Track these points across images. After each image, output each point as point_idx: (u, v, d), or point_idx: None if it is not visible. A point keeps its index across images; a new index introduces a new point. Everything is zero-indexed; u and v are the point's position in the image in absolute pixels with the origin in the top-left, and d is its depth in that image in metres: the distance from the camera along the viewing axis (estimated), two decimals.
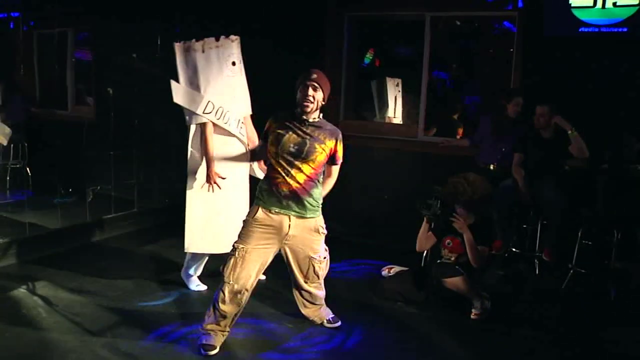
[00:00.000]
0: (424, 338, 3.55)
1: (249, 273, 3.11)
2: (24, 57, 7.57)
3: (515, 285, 4.61)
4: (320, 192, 3.23)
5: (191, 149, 3.96)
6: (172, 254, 4.94)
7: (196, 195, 3.96)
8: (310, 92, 3.02)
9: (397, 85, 6.87)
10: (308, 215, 3.16)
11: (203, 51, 3.90)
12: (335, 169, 3.33)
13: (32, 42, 8.07)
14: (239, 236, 3.17)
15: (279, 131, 3.11)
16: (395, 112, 6.90)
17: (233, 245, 3.15)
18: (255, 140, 4.04)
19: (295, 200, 3.10)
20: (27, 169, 6.02)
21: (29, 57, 8.07)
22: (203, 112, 3.84)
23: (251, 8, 6.11)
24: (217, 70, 3.91)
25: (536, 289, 4.55)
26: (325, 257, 3.40)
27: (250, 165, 4.10)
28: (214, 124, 3.86)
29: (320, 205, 3.26)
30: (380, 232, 5.66)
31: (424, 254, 4.61)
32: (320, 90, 3.05)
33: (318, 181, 3.19)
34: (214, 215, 4.00)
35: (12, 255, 4.72)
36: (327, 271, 3.48)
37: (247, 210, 3.43)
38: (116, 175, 5.80)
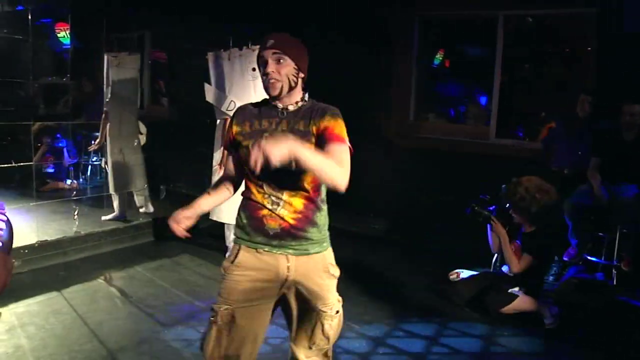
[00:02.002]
0: (496, 346, 3.47)
1: (241, 346, 2.16)
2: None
3: (590, 295, 4.41)
4: (325, 214, 2.20)
5: (216, 139, 4.80)
6: None
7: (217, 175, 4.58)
8: (272, 66, 2.07)
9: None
10: (313, 251, 2.14)
11: (229, 59, 4.67)
12: (335, 152, 1.99)
13: (112, 44, 8.46)
14: (219, 294, 2.17)
15: (242, 140, 2.13)
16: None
17: (212, 309, 2.17)
18: None
19: (292, 236, 2.08)
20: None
21: None
22: (227, 109, 4.59)
23: (321, 9, 6.15)
24: (239, 75, 4.64)
25: (613, 300, 4.34)
26: (338, 312, 2.22)
27: None
28: None
29: (327, 233, 2.23)
30: (448, 235, 5.54)
31: (493, 259, 4.51)
32: (288, 58, 2.08)
33: (321, 200, 2.16)
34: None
35: (90, 247, 5.01)
36: (339, 333, 2.27)
37: None
38: (187, 173, 6.00)
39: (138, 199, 6.06)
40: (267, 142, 1.76)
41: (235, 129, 2.16)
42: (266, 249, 2.09)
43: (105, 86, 5.69)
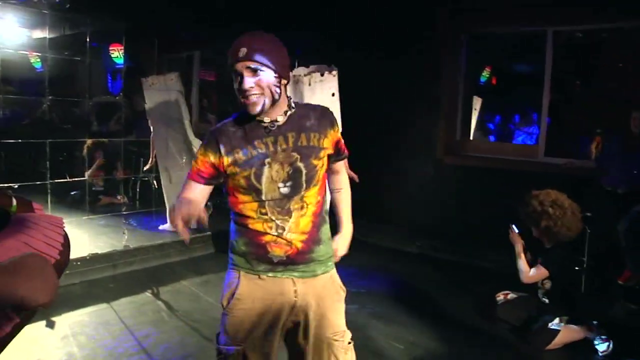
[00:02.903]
0: None
1: None
2: None
3: None
4: (328, 226, 2.04)
5: None
6: None
7: None
8: (248, 80, 1.78)
9: (475, 103, 6.73)
10: (320, 272, 1.96)
11: (309, 84, 4.55)
12: (343, 167, 2.16)
13: (163, 64, 8.74)
14: (224, 331, 1.96)
15: (239, 170, 1.85)
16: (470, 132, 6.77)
17: (218, 350, 1.98)
18: (346, 153, 4.38)
19: (299, 260, 1.91)
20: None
21: None
22: None
23: (366, 27, 6.18)
24: (319, 100, 4.41)
25: None
26: (350, 342, 2.02)
27: None
28: None
29: (332, 251, 2.05)
30: (496, 255, 5.42)
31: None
32: (267, 67, 1.79)
33: (325, 211, 2.02)
34: None
35: (138, 260, 5.13)
36: None
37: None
38: None
39: None
40: (342, 247, 2.16)
41: (225, 160, 1.85)
42: (270, 275, 1.91)
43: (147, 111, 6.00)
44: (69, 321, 3.79)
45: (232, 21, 6.62)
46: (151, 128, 6.17)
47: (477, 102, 6.78)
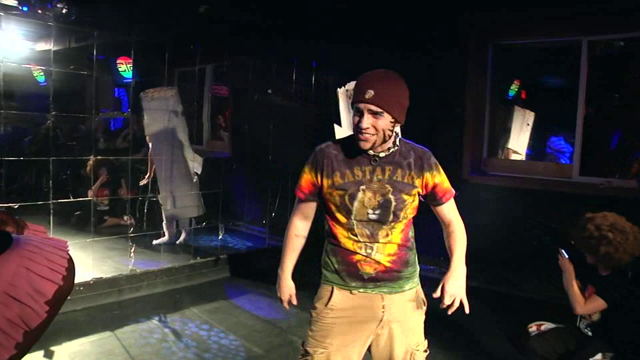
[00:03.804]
0: None
1: None
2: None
3: None
4: (415, 252, 2.32)
5: None
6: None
7: None
8: (367, 121, 2.06)
9: (528, 118, 6.61)
10: (407, 287, 2.27)
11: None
12: (451, 211, 2.35)
13: (174, 79, 8.82)
14: (309, 335, 2.28)
15: (335, 191, 2.17)
16: (518, 146, 6.67)
17: (304, 351, 2.28)
18: None
19: (388, 277, 2.21)
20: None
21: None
22: None
23: (385, 37, 6.18)
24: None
25: None
26: (426, 351, 2.39)
27: None
28: None
29: (418, 267, 2.36)
30: (528, 283, 5.37)
31: None
32: (385, 113, 2.05)
33: (412, 243, 2.30)
34: None
35: (145, 286, 5.10)
36: None
37: None
38: (249, 210, 6.08)
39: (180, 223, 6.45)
40: (451, 286, 2.29)
41: (325, 181, 2.19)
42: (361, 290, 2.21)
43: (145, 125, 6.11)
44: (69, 350, 3.74)
45: (246, 33, 6.71)
46: (149, 145, 6.28)
47: (529, 117, 6.69)
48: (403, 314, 2.25)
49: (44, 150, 6.05)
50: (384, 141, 2.11)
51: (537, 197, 5.57)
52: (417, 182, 2.19)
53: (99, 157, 6.89)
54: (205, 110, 8.57)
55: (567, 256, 3.69)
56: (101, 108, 8.49)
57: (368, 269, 2.17)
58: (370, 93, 2.04)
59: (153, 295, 5.04)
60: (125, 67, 8.64)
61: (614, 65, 5.82)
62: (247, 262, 5.85)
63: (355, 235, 2.16)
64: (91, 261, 4.96)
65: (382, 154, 2.15)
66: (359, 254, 2.17)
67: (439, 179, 2.23)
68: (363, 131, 2.06)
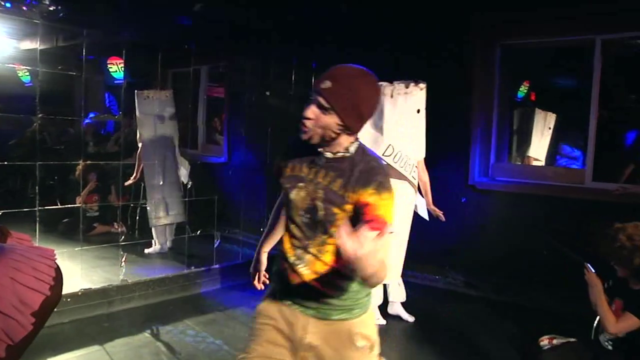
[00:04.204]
0: None
1: None
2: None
3: None
4: (359, 284, 2.00)
5: None
6: None
7: None
8: (311, 110, 1.90)
9: (549, 121, 6.58)
10: (336, 317, 2.00)
11: (392, 96, 4.49)
12: (369, 239, 1.59)
13: (167, 80, 8.81)
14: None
15: (284, 182, 2.09)
16: (538, 151, 6.63)
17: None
18: (427, 182, 4.78)
19: (312, 297, 2.00)
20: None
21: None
22: (383, 154, 4.36)
23: (390, 38, 6.18)
24: (400, 115, 4.47)
25: None
26: None
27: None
28: (389, 168, 4.35)
29: (364, 299, 2.07)
30: (538, 293, 5.33)
31: (595, 323, 4.22)
32: (333, 111, 1.87)
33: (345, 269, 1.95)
34: None
35: (137, 297, 5.06)
36: None
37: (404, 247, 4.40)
38: (246, 218, 6.04)
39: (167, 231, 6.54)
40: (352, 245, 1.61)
41: (283, 170, 2.09)
42: (287, 303, 2.05)
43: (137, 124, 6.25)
44: None
45: (243, 33, 6.69)
46: (139, 144, 6.38)
47: (550, 120, 6.63)
48: (329, 346, 2.00)
49: (29, 154, 6.01)
50: (325, 141, 1.93)
51: (548, 204, 5.54)
52: (353, 197, 1.90)
53: (88, 162, 6.88)
54: (200, 112, 8.53)
55: (593, 270, 3.64)
56: (90, 110, 8.45)
57: (293, 279, 2.00)
58: (327, 84, 1.87)
59: (145, 306, 5.00)
60: (116, 68, 8.62)
61: (630, 65, 5.80)
62: (243, 272, 5.79)
63: (294, 237, 2.03)
64: (80, 271, 4.93)
65: (328, 155, 1.97)
66: (287, 261, 2.02)
67: (375, 200, 1.87)
68: (303, 120, 1.91)
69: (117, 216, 6.74)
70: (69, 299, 4.55)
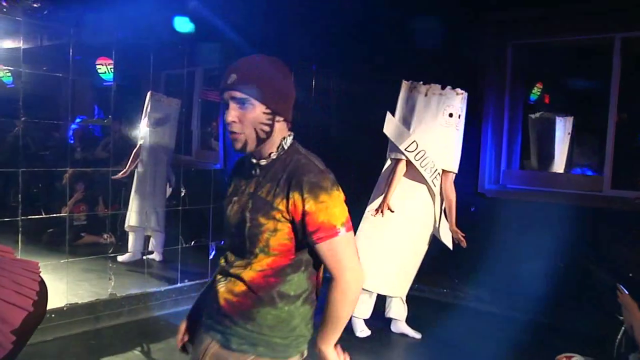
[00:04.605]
0: None
1: None
2: None
3: None
4: (288, 313, 1.81)
5: (379, 180, 4.85)
6: None
7: (366, 228, 4.72)
8: (233, 112, 1.79)
9: (567, 125, 6.54)
10: (236, 347, 1.81)
11: (426, 95, 4.67)
12: (330, 259, 1.76)
13: (160, 82, 8.77)
14: None
15: (225, 201, 2.00)
16: (561, 159, 6.59)
17: None
18: (453, 201, 4.76)
19: (219, 318, 1.87)
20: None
21: None
22: (405, 149, 4.57)
23: (396, 38, 6.14)
24: (432, 115, 4.62)
25: None
26: None
27: (435, 225, 4.81)
28: (408, 168, 4.61)
29: (278, 341, 1.82)
30: (555, 309, 5.29)
31: (616, 342, 4.14)
32: (255, 100, 1.77)
33: (286, 300, 1.81)
34: (383, 253, 4.69)
35: (126, 312, 5.02)
36: None
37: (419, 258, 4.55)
38: None
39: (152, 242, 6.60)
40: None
41: (228, 190, 2.01)
42: (202, 322, 1.95)
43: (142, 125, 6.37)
44: None
45: (239, 32, 6.64)
46: (139, 143, 6.59)
47: (568, 123, 6.57)
48: None
49: (12, 160, 5.95)
50: (260, 140, 1.81)
51: (564, 213, 5.42)
52: (280, 203, 1.75)
53: (75, 169, 6.83)
54: (194, 117, 8.48)
55: (626, 292, 3.58)
56: (78, 114, 8.39)
57: (212, 298, 1.91)
58: (233, 77, 1.77)
59: (135, 322, 4.95)
60: (105, 69, 8.56)
61: None
62: None
63: (226, 255, 1.93)
64: (65, 285, 4.85)
65: (262, 162, 1.85)
66: (216, 276, 1.94)
67: (312, 206, 1.71)
68: (229, 127, 1.80)
69: (106, 226, 6.68)
70: (53, 315, 4.49)
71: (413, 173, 4.65)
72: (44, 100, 7.04)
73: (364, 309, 4.70)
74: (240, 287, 1.81)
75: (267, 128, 1.80)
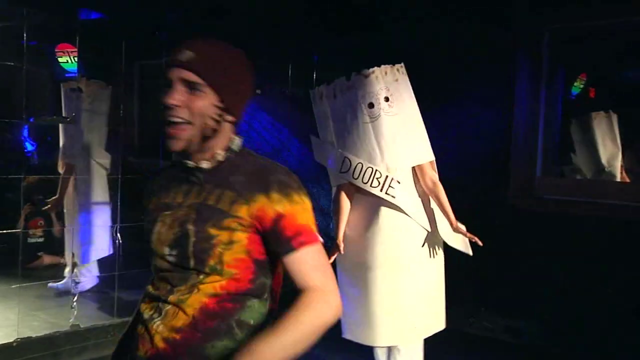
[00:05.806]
0: None
1: None
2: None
3: None
4: (238, 343, 1.67)
5: (333, 212, 4.25)
6: None
7: (346, 274, 4.16)
8: (178, 94, 1.65)
9: (613, 121, 6.44)
10: None
11: (335, 96, 4.10)
12: (310, 269, 1.67)
13: (134, 74, 8.76)
14: None
15: (146, 218, 1.85)
16: (610, 163, 6.47)
17: None
18: (439, 194, 4.04)
19: None
20: (118, 235, 6.27)
21: (130, 93, 8.79)
22: (339, 172, 4.04)
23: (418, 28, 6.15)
24: (351, 117, 4.03)
25: None
26: None
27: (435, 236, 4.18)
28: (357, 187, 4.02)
29: None
30: (601, 339, 5.21)
31: None
32: (208, 87, 1.66)
33: (235, 324, 1.69)
34: (367, 300, 4.07)
35: (91, 346, 5.02)
36: None
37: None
38: None
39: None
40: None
41: (148, 207, 1.87)
42: None
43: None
44: None
45: (225, 18, 6.58)
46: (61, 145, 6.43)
47: (614, 119, 6.43)
48: None
49: None
50: (204, 139, 1.70)
51: (614, 229, 5.42)
52: (239, 210, 1.66)
53: (31, 176, 6.72)
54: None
55: None
56: (35, 110, 8.29)
57: (140, 350, 1.72)
58: (188, 54, 1.64)
59: (102, 358, 4.86)
60: (67, 58, 8.48)
61: None
62: None
63: (151, 290, 1.79)
64: (16, 315, 4.78)
65: (204, 165, 1.74)
66: (144, 317, 1.75)
67: (286, 207, 1.65)
68: (169, 115, 1.64)
69: (69, 244, 6.53)
70: (0, 352, 4.42)
71: (363, 192, 4.07)
72: None
73: None
74: (183, 319, 1.66)
75: (213, 125, 1.69)
